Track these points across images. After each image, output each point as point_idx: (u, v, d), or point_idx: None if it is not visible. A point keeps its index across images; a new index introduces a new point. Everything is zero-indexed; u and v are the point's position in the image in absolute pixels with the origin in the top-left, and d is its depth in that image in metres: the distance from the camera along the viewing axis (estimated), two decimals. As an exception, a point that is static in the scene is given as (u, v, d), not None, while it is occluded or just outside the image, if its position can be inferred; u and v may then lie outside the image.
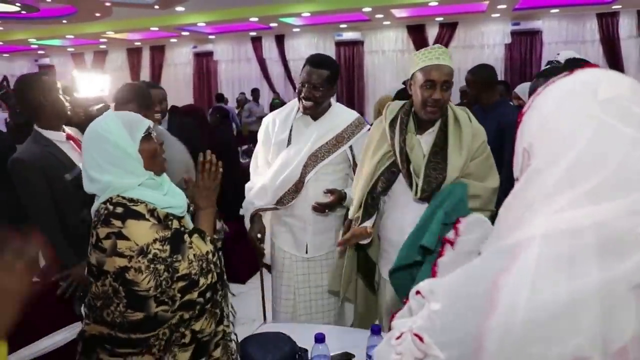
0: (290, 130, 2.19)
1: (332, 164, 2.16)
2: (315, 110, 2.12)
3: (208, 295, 1.33)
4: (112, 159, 1.31)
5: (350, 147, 2.17)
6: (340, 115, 2.20)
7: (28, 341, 1.75)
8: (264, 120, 2.30)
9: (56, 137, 2.10)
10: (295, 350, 1.49)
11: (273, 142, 2.21)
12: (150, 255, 1.26)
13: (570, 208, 0.59)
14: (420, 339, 0.66)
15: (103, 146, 1.31)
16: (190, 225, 1.47)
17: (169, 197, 1.39)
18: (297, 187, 2.12)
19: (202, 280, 1.31)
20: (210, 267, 1.34)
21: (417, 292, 0.72)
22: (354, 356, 1.52)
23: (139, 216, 1.29)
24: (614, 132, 0.60)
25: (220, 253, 1.43)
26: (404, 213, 1.81)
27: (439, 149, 1.74)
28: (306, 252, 2.21)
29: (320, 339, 1.38)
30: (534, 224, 0.61)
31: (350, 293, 2.08)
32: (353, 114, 2.24)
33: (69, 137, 2.14)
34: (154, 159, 1.39)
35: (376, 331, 1.42)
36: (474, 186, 1.72)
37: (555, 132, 0.63)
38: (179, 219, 1.42)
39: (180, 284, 1.28)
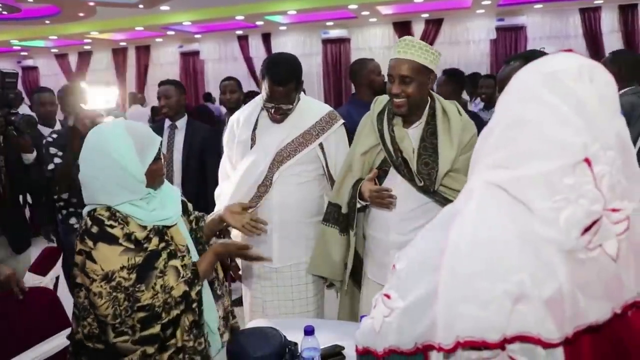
0: (255, 129, 2.02)
1: (299, 164, 1.99)
2: (286, 117, 1.98)
3: (169, 331, 1.30)
4: (118, 180, 1.29)
5: (321, 145, 1.99)
6: (308, 110, 2.02)
7: (24, 347, 1.72)
8: (230, 120, 2.14)
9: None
10: (286, 344, 1.49)
11: (237, 140, 2.04)
12: (113, 283, 1.23)
13: (499, 166, 0.70)
14: (388, 296, 0.74)
15: (114, 170, 1.28)
16: (183, 233, 1.45)
17: (157, 211, 1.37)
18: (260, 190, 1.97)
19: (164, 315, 1.28)
20: (172, 305, 1.29)
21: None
22: (343, 348, 1.53)
23: (111, 240, 1.26)
24: (536, 100, 0.69)
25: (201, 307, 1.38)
26: (390, 211, 1.79)
27: (428, 144, 1.73)
28: (273, 261, 2.00)
29: (309, 331, 1.39)
30: (477, 176, 0.73)
31: (336, 281, 2.03)
32: (324, 108, 2.06)
33: None
34: (157, 178, 1.38)
35: (365, 323, 1.43)
36: (461, 181, 1.70)
37: (502, 99, 0.75)
38: (168, 227, 1.40)
39: (141, 314, 1.24)
